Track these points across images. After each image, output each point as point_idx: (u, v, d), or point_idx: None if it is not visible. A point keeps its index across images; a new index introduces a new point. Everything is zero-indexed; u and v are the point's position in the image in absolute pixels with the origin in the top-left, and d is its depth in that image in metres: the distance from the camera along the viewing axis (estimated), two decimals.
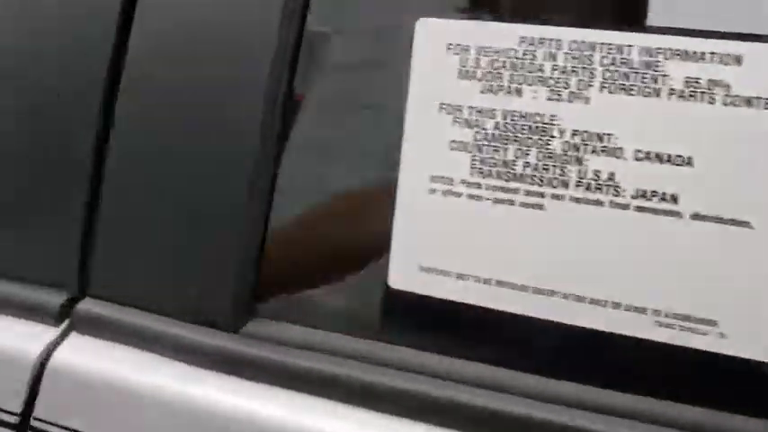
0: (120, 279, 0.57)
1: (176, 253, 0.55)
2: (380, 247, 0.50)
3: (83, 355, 0.56)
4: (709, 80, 0.43)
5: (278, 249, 0.54)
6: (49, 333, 0.57)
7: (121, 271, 0.57)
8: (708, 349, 0.43)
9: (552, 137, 0.47)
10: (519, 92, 0.47)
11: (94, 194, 0.57)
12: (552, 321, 0.47)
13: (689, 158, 0.44)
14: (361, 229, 0.53)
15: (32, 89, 0.61)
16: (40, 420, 0.54)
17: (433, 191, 0.49)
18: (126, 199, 0.56)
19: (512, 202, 0.48)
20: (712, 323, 0.43)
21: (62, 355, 0.56)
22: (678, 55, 0.44)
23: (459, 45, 0.48)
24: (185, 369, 0.54)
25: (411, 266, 0.50)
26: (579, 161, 0.46)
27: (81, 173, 0.58)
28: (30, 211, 0.60)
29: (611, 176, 0.46)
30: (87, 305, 0.57)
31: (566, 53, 0.46)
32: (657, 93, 0.44)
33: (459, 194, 0.48)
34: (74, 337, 0.57)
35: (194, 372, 0.54)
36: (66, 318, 0.58)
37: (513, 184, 0.47)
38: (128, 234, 0.56)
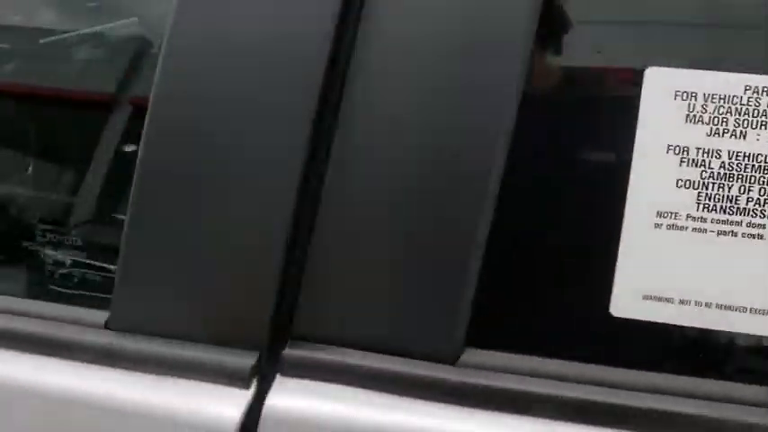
0: (327, 319, 0.57)
1: (393, 290, 0.56)
2: None
3: (297, 397, 0.56)
4: None
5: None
6: (240, 396, 0.57)
7: (329, 311, 0.57)
8: None
9: None
10: (744, 135, 0.52)
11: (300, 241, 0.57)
12: None
13: None
14: None
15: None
16: None
17: (658, 225, 0.54)
18: (339, 243, 0.57)
19: (734, 234, 0.53)
20: None
21: (276, 401, 0.55)
22: None
23: (686, 92, 0.53)
24: (408, 403, 0.55)
25: (634, 295, 0.54)
26: None
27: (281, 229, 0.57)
28: (217, 271, 0.59)
29: None
30: (295, 349, 0.57)
31: None
32: None
33: (684, 228, 0.53)
34: (281, 381, 0.57)
35: (418, 405, 0.55)
36: (254, 378, 0.57)
37: (736, 218, 0.53)
38: (338, 275, 0.57)
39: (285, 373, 0.57)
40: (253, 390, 0.57)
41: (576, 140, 0.58)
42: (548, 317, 0.58)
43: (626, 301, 0.54)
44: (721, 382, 0.54)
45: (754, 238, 0.53)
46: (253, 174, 0.60)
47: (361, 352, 0.56)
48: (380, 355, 0.57)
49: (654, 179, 0.53)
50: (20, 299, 0.70)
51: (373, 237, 0.56)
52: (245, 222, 0.59)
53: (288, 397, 0.56)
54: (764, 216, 0.52)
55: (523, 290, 0.58)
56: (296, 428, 0.55)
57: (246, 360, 0.57)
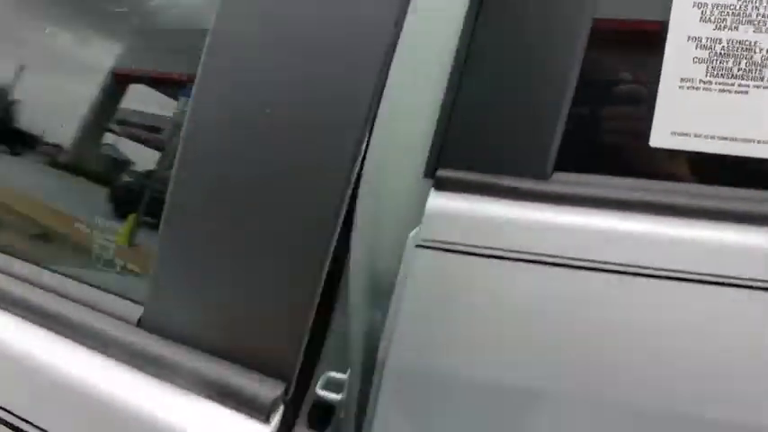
0: (467, 151, 0.91)
1: (505, 127, 0.89)
2: None
3: (449, 201, 0.90)
4: None
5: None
6: (260, 430, 0.54)
7: (468, 145, 0.91)
8: None
9: (755, 52, 0.85)
10: (736, 28, 0.85)
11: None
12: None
13: None
14: None
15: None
16: None
17: (681, 87, 0.87)
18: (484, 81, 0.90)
19: (730, 91, 0.86)
20: None
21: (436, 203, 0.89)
22: None
23: (700, 2, 0.86)
24: (518, 205, 0.89)
25: (666, 132, 0.88)
26: None
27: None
28: (249, 290, 0.58)
29: None
30: (449, 172, 0.91)
31: (765, 5, 0.85)
32: None
33: (698, 88, 0.86)
34: (436, 193, 0.90)
35: (525, 205, 0.89)
36: (277, 411, 0.53)
37: (730, 81, 0.85)
38: (469, 122, 0.90)
39: (438, 189, 0.91)
40: (275, 424, 0.53)
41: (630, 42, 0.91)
42: (607, 148, 0.91)
43: (660, 136, 0.88)
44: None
45: (742, 93, 0.85)
46: (293, 188, 0.59)
47: (487, 174, 0.90)
48: (499, 175, 0.90)
49: (679, 58, 0.86)
50: (66, 279, 0.67)
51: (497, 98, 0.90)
52: (282, 242, 0.58)
53: (443, 202, 0.90)
54: (748, 79, 0.85)
55: (593, 129, 0.92)
56: (451, 221, 0.88)
57: (271, 391, 0.54)
